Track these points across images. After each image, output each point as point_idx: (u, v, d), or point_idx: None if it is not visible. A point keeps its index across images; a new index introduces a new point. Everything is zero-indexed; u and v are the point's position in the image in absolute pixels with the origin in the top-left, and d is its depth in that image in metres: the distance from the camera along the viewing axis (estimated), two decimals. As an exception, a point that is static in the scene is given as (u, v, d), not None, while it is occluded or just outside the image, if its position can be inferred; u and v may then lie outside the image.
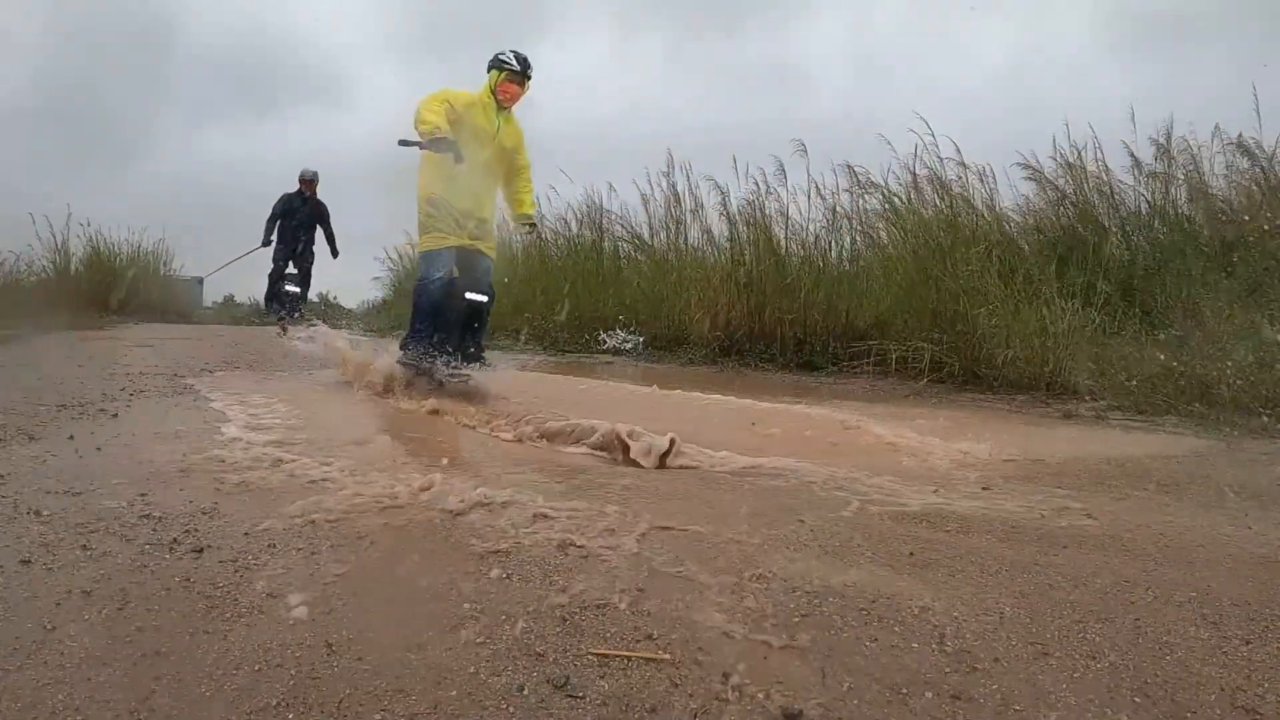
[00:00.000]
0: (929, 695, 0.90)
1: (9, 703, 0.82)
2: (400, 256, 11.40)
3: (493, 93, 3.29)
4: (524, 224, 3.72)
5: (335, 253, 8.13)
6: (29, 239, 8.73)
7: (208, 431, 2.33)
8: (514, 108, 3.39)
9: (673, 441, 2.13)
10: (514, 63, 3.26)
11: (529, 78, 3.30)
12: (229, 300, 15.70)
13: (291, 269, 7.86)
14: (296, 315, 7.58)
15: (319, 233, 7.95)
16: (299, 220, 7.76)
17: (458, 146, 3.06)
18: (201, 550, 1.29)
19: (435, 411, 2.92)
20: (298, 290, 7.84)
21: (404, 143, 3.11)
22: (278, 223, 7.75)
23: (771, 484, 1.93)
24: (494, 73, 3.29)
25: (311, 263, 8.07)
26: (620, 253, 7.30)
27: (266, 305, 8.17)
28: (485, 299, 3.37)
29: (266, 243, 7.72)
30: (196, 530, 1.39)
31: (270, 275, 7.97)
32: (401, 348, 3.39)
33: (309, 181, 7.78)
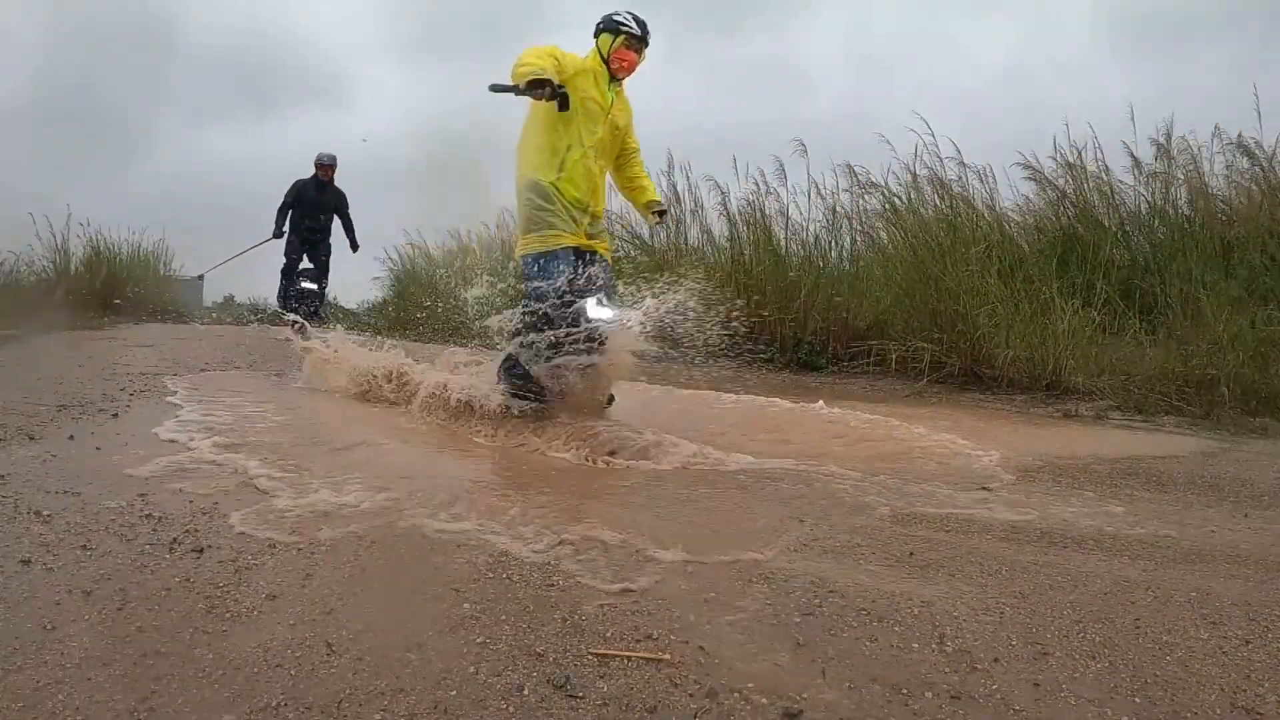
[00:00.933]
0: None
1: (9, 703, 0.82)
2: (400, 256, 11.40)
3: (605, 61, 2.71)
4: (653, 212, 3.04)
5: (355, 246, 7.27)
6: (29, 239, 8.74)
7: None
8: (626, 80, 2.80)
9: None
10: (633, 25, 2.70)
11: (648, 44, 2.75)
12: (229, 300, 15.69)
13: (307, 263, 7.07)
14: (315, 316, 6.59)
15: (337, 224, 7.18)
16: (315, 209, 6.94)
17: (565, 94, 2.54)
18: (202, 550, 1.29)
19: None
20: (315, 287, 6.97)
21: (495, 88, 2.54)
22: (290, 212, 6.95)
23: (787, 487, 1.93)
24: (606, 36, 2.70)
25: (329, 256, 7.20)
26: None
27: (281, 305, 7.23)
28: (612, 318, 2.60)
29: (278, 234, 6.93)
30: (196, 529, 1.39)
31: (283, 271, 7.12)
32: (507, 371, 2.70)
33: (327, 166, 6.96)
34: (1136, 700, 0.91)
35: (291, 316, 6.71)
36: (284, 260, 7.06)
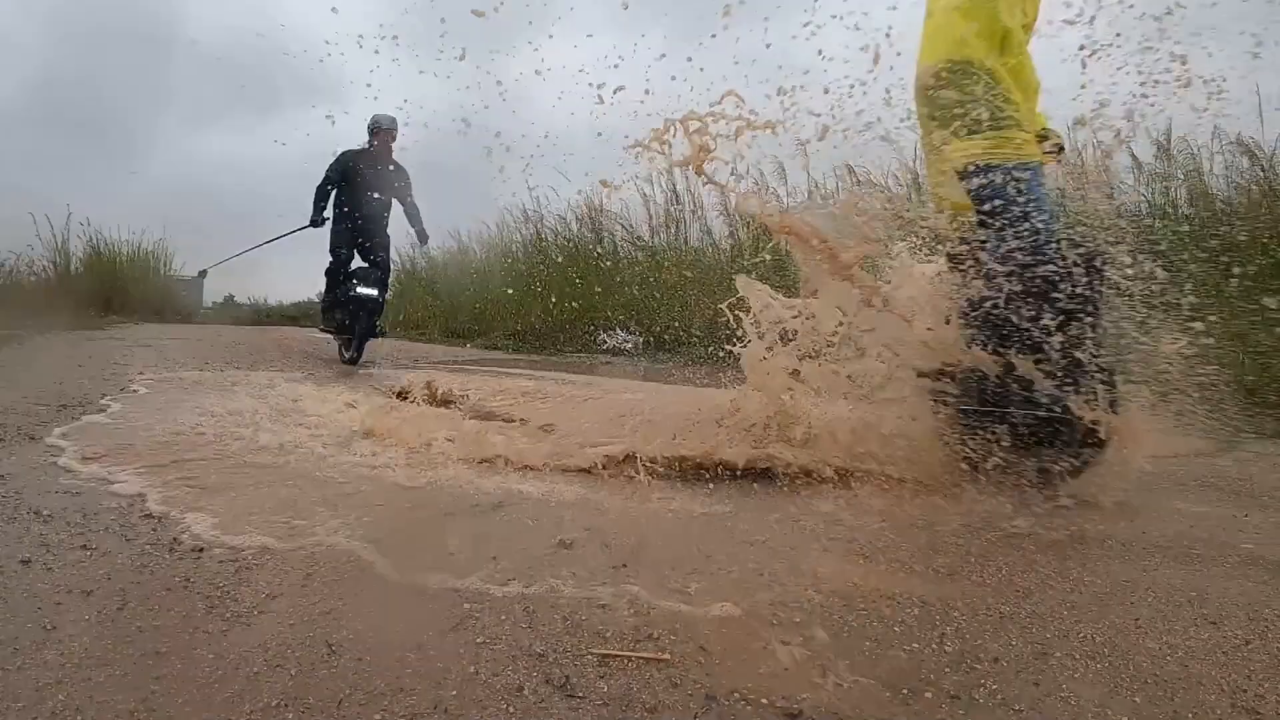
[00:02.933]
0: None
1: (9, 703, 0.82)
2: (400, 257, 11.40)
3: None
4: (1056, 142, 2.13)
5: (424, 237, 5.50)
6: (29, 239, 8.75)
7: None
8: None
9: None
10: None
11: None
12: (229, 300, 15.69)
13: (359, 261, 5.26)
14: (372, 333, 5.02)
15: (396, 210, 5.33)
16: (371, 191, 5.10)
17: None
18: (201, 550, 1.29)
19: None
20: (374, 293, 4.97)
21: None
22: (334, 194, 5.14)
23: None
24: None
25: (388, 251, 5.35)
26: (620, 252, 7.31)
27: (324, 317, 5.43)
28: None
29: (317, 223, 5.12)
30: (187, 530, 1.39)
31: (328, 271, 5.28)
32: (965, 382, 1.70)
33: (387, 131, 5.08)
34: (1136, 700, 0.91)
35: (329, 334, 5.35)
36: (329, 258, 5.25)
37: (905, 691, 0.91)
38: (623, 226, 7.17)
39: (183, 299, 11.78)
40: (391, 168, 5.19)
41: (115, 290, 9.53)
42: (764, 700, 0.88)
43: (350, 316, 5.00)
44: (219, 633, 1.00)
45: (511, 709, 0.85)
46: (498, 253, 9.38)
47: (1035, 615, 1.14)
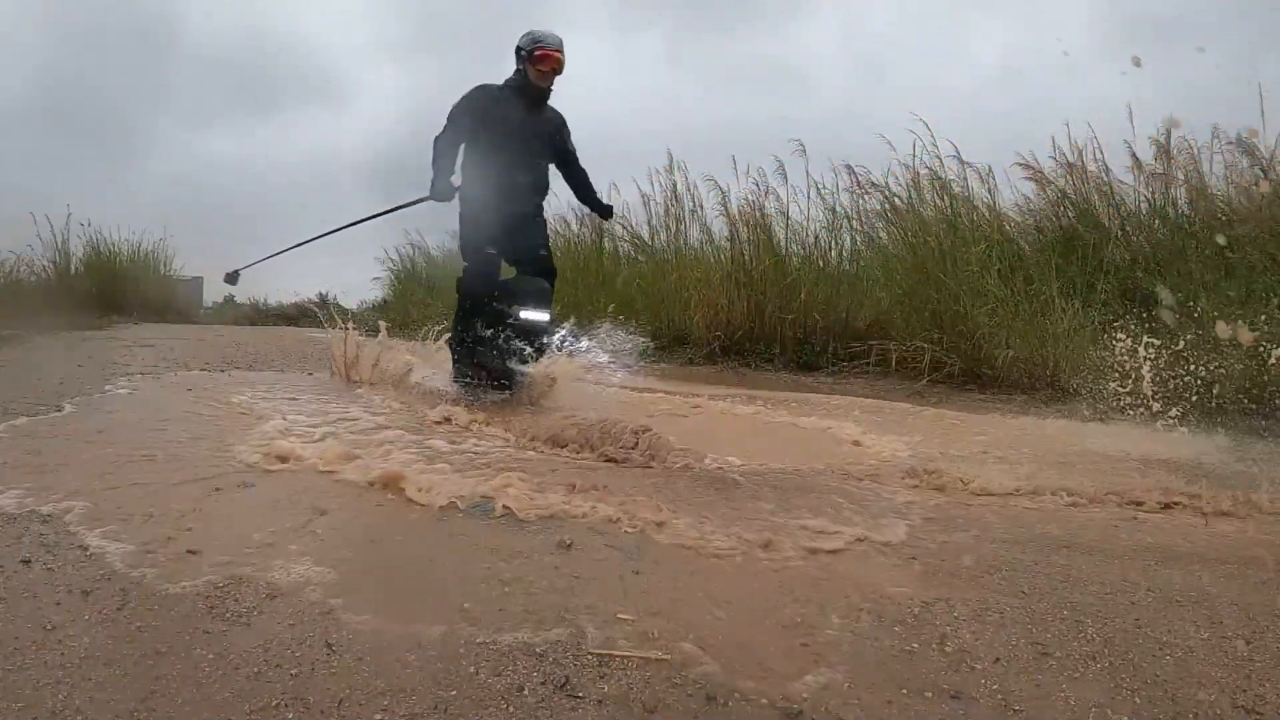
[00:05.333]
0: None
1: (9, 703, 0.82)
2: (400, 257, 11.39)
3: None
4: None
5: (608, 211, 3.72)
6: (29, 239, 8.75)
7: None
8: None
9: None
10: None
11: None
12: (229, 300, 15.68)
13: (504, 251, 3.24)
14: (533, 359, 3.06)
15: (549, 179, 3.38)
16: (524, 143, 3.18)
17: None
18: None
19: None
20: (545, 319, 3.16)
21: None
22: (460, 151, 3.18)
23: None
24: None
25: (546, 241, 3.37)
26: (620, 252, 7.29)
27: (457, 369, 3.28)
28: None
29: (443, 193, 3.15)
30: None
31: (465, 288, 3.22)
32: None
33: (554, 54, 3.09)
34: (1136, 700, 0.91)
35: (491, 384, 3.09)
36: (465, 260, 3.26)
37: (905, 691, 0.91)
38: (622, 226, 7.16)
39: (183, 299, 11.79)
40: (548, 114, 3.26)
41: (115, 290, 9.53)
42: (764, 700, 0.88)
43: (505, 353, 3.04)
44: (219, 632, 1.00)
45: (511, 709, 0.85)
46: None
47: (1036, 615, 1.14)
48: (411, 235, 10.94)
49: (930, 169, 5.25)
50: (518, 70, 3.16)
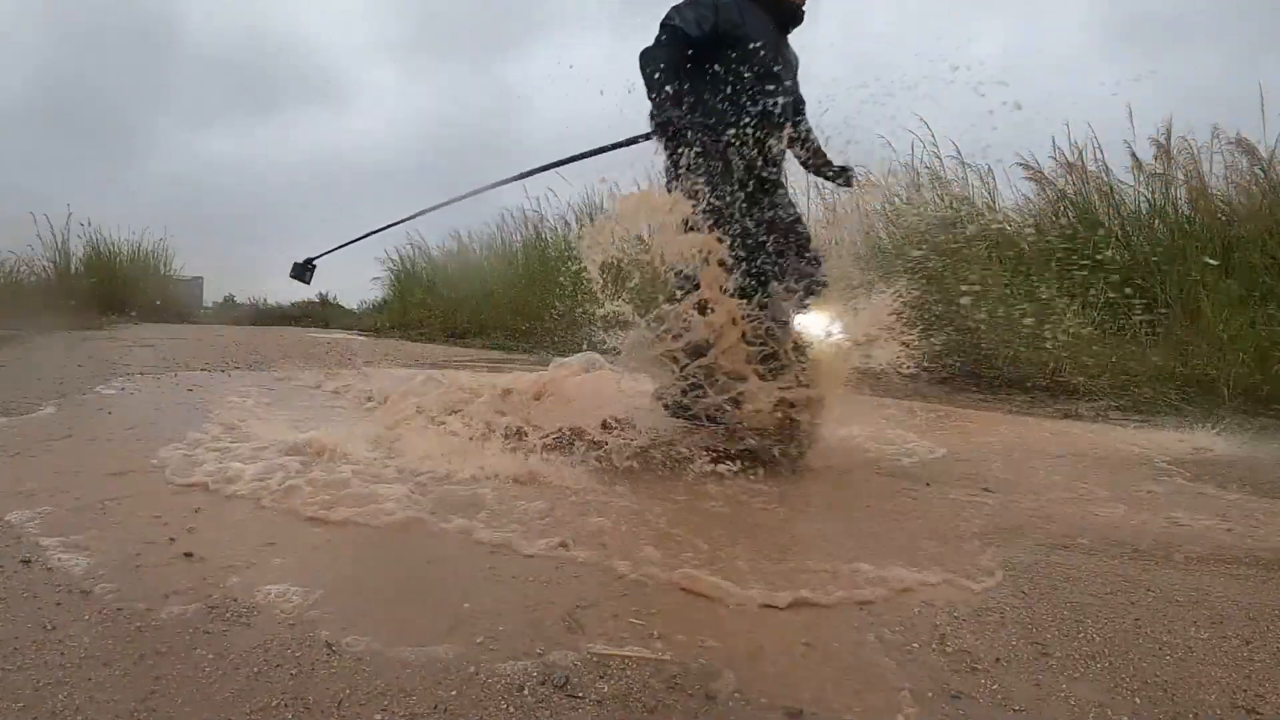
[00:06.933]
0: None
1: (9, 703, 0.82)
2: (400, 256, 11.40)
3: None
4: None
5: (848, 178, 2.60)
6: (29, 239, 8.75)
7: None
8: None
9: None
10: None
11: None
12: (229, 300, 15.67)
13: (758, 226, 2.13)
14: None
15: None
16: (776, 77, 2.18)
17: None
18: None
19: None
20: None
21: None
22: (692, 80, 2.14)
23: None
24: None
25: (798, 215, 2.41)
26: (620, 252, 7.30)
27: (679, 401, 2.19)
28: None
29: (666, 126, 2.05)
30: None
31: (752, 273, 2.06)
32: None
33: None
34: (1136, 700, 0.91)
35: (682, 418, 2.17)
36: (728, 239, 2.05)
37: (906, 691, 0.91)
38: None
39: (183, 299, 11.82)
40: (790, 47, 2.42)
41: (115, 290, 9.54)
42: (764, 700, 0.88)
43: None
44: (219, 632, 1.00)
45: (511, 709, 0.85)
46: (497, 253, 9.41)
47: (1036, 615, 1.14)
48: (412, 235, 10.95)
49: (930, 169, 5.26)
50: None
